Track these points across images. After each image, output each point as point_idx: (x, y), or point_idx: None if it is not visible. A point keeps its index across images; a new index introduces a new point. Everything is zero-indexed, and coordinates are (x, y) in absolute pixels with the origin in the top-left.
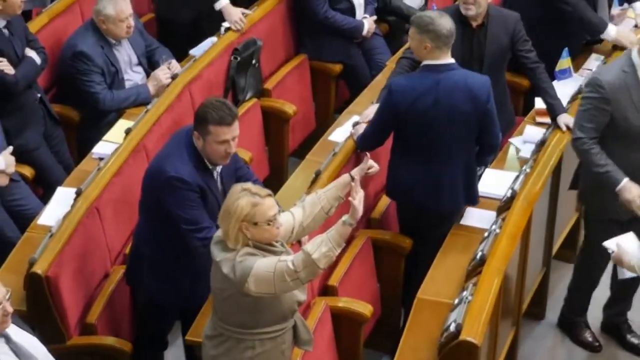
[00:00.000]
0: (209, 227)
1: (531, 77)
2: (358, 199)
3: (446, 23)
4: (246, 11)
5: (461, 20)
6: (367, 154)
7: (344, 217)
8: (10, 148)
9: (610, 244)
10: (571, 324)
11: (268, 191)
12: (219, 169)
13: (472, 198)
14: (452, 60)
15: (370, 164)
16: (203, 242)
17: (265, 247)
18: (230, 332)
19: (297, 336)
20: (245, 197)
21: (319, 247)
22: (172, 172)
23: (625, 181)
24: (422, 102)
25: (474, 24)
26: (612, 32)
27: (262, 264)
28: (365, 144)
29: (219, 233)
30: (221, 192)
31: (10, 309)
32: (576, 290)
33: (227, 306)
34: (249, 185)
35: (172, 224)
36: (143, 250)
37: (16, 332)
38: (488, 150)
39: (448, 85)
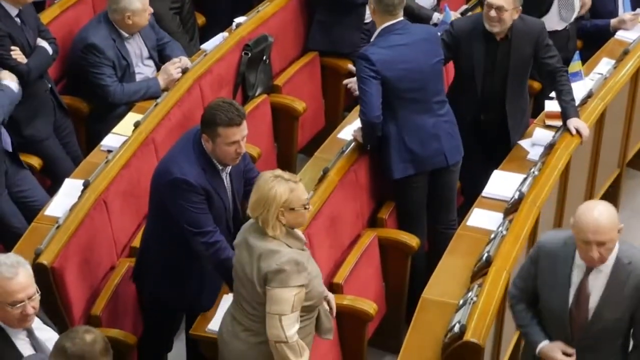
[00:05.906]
0: (212, 231)
1: (551, 81)
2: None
3: None
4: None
5: (484, 33)
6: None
7: None
8: None
9: None
10: None
11: (297, 176)
12: (228, 169)
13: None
14: (401, 17)
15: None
16: (206, 246)
17: (295, 233)
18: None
19: (319, 325)
20: (281, 184)
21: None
22: (177, 173)
23: (542, 345)
24: (404, 60)
25: (498, 37)
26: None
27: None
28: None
29: (251, 221)
30: (230, 191)
31: (37, 306)
32: None
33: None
34: (278, 171)
35: (178, 225)
36: (150, 249)
37: (39, 327)
38: None
39: (418, 39)
